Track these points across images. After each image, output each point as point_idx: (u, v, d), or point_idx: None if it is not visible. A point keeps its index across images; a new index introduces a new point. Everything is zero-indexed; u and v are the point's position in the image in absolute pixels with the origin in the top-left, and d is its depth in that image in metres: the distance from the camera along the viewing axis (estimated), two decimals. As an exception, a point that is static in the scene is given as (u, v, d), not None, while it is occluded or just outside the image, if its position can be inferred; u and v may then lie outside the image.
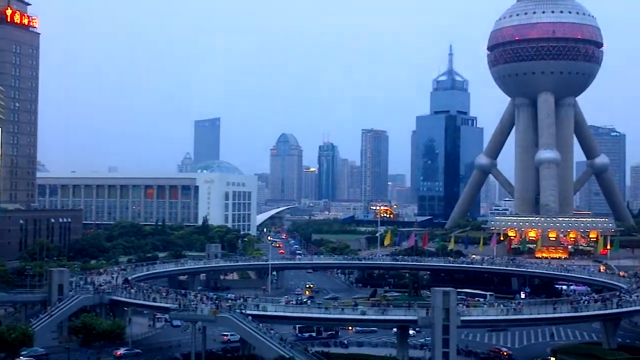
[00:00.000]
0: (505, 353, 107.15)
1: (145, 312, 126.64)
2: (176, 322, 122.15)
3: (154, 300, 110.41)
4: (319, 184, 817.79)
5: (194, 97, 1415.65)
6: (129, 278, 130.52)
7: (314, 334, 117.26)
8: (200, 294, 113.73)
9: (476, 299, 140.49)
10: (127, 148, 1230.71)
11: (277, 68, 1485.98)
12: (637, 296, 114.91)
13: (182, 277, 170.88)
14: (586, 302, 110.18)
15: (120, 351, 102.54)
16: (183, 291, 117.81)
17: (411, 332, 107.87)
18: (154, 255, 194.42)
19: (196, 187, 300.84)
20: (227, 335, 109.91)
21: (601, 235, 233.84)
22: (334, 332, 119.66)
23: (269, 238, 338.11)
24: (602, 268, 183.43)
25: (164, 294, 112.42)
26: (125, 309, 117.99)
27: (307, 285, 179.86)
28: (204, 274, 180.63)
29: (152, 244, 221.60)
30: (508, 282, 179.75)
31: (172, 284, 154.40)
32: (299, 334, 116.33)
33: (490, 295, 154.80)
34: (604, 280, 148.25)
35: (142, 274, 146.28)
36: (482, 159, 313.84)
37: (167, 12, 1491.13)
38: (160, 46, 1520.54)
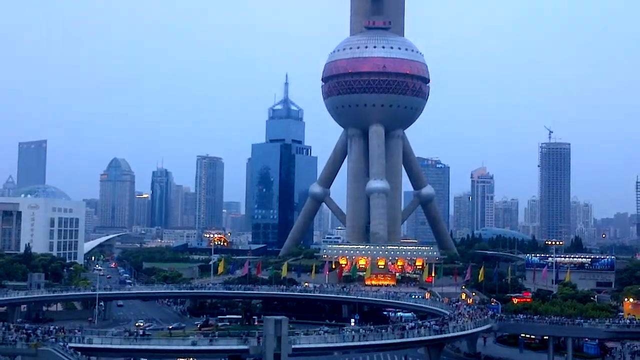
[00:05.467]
0: None
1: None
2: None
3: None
4: (152, 211, 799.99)
5: (17, 117, 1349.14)
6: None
7: None
8: (19, 327, 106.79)
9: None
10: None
11: (107, 91, 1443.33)
12: (459, 322, 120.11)
13: (0, 309, 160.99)
14: (414, 328, 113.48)
15: None
16: (1, 323, 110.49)
17: None
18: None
19: (19, 213, 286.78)
20: None
21: (426, 263, 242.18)
22: None
23: (97, 267, 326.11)
24: (427, 295, 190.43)
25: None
26: None
27: (137, 324, 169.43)
28: (25, 305, 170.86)
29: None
30: (339, 309, 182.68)
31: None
32: None
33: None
34: (429, 307, 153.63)
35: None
36: (316, 188, 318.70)
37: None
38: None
